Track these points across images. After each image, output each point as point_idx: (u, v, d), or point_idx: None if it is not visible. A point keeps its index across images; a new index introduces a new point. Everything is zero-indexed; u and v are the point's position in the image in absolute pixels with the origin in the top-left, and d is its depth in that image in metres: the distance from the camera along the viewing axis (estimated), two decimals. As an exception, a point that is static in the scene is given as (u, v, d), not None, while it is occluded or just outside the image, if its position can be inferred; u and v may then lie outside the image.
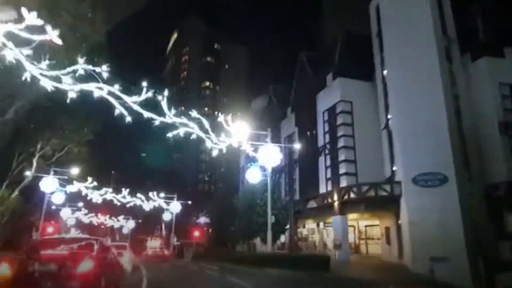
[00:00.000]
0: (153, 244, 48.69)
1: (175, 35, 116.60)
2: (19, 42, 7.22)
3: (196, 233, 45.18)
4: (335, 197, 25.73)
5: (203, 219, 53.13)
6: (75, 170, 33.57)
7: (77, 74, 8.34)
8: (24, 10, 6.65)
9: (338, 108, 27.16)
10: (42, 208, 48.06)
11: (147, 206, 43.19)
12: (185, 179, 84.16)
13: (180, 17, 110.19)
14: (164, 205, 44.92)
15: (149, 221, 63.91)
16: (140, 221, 62.88)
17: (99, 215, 57.43)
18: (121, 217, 57.91)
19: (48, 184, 31.66)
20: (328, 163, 27.70)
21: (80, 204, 51.73)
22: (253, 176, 22.61)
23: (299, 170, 31.60)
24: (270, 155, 20.97)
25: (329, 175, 27.50)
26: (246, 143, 20.30)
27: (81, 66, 8.15)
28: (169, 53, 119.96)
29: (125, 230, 62.72)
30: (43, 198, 32.35)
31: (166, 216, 47.38)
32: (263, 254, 22.29)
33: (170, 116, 11.36)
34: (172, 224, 46.64)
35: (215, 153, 15.45)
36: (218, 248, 40.90)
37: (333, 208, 25.77)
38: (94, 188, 37.31)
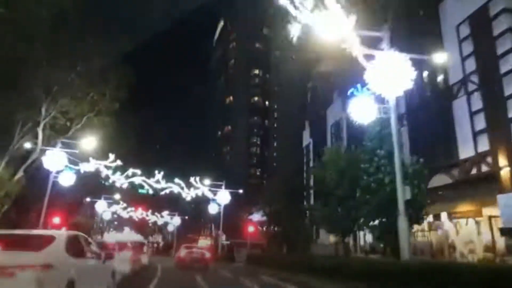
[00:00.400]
0: (201, 243, 40.52)
1: (221, 23, 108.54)
2: None
3: (251, 229, 34.95)
4: (502, 161, 14.15)
5: (256, 217, 43.34)
6: (91, 141, 24.69)
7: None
8: None
9: (495, 8, 15.39)
10: (80, 202, 41.27)
11: (188, 195, 33.84)
12: (234, 173, 75.68)
13: (226, 3, 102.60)
14: (210, 195, 35.42)
15: (198, 218, 57.57)
16: (186, 217, 55.58)
17: (139, 209, 50.94)
18: (165, 213, 51.51)
19: (54, 159, 23.16)
20: (478, 105, 15.91)
21: (117, 196, 45.72)
22: (361, 111, 11.87)
23: (410, 129, 20.01)
24: (394, 73, 10.29)
25: (480, 126, 15.75)
26: (353, 40, 10.08)
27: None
28: (216, 42, 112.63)
29: (170, 228, 56.76)
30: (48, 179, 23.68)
31: (212, 209, 37.94)
32: (398, 264, 10.59)
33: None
34: (220, 219, 37.21)
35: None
36: (280, 249, 30.48)
37: (499, 181, 14.16)
38: (117, 168, 28.68)
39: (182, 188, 32.89)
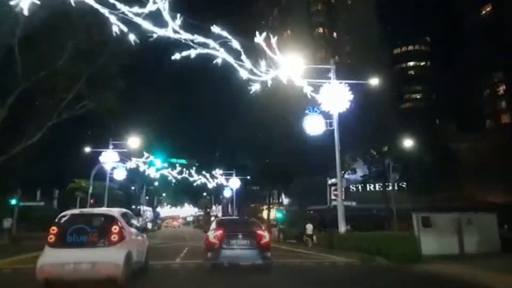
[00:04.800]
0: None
1: None
2: None
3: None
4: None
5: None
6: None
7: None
8: None
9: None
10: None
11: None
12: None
13: None
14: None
15: (267, 178, 36.10)
16: (248, 177, 38.97)
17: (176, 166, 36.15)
18: (218, 172, 38.81)
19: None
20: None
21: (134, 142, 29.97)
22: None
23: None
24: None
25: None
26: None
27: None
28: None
29: (226, 193, 46.71)
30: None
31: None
32: None
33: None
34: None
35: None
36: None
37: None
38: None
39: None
